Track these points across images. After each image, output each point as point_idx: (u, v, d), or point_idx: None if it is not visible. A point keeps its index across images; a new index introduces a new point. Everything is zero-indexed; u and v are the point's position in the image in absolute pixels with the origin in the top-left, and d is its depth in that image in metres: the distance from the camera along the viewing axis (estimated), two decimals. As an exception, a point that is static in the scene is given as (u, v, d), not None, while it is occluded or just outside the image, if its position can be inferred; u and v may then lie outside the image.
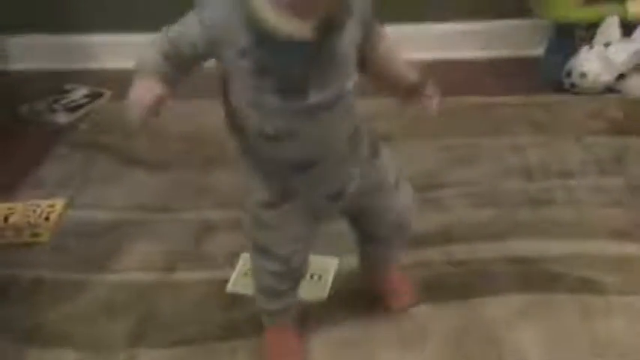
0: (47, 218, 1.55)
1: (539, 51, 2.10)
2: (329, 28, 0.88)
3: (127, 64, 2.24)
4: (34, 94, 2.11)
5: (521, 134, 1.77)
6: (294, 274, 1.10)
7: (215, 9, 0.89)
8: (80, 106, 2.06)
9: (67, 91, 2.13)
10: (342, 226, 1.17)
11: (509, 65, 2.14)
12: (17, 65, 2.30)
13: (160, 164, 1.75)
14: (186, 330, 1.25)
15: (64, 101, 2.08)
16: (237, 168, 1.68)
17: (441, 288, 1.29)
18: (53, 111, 2.04)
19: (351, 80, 0.94)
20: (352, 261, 1.27)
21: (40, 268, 1.42)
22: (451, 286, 1.28)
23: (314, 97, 0.90)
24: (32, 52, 2.30)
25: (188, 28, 0.91)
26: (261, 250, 1.07)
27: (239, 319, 1.26)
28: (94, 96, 2.11)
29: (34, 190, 1.67)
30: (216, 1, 0.89)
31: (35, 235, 1.51)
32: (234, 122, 0.99)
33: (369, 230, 1.14)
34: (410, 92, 1.04)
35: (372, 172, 1.06)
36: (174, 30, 0.93)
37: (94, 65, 2.29)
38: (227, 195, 1.59)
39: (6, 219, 1.56)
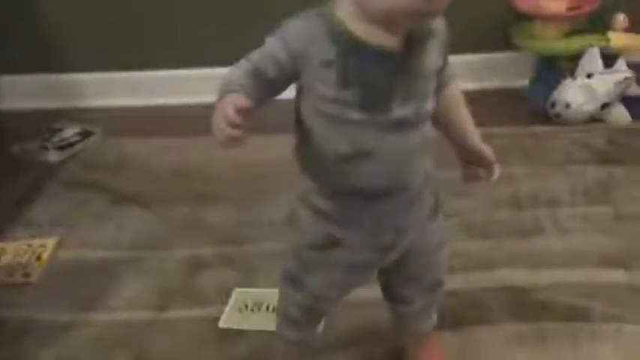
0: (38, 258, 1.55)
1: (524, 82, 2.13)
2: (415, 42, 0.89)
3: (116, 102, 2.31)
4: (25, 132, 2.12)
5: (509, 164, 1.78)
6: (320, 312, 1.09)
7: (296, 26, 0.89)
8: (71, 145, 2.07)
9: (58, 130, 2.14)
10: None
11: (495, 97, 2.17)
12: (8, 104, 2.31)
13: (150, 201, 1.75)
14: (180, 368, 1.24)
15: (55, 139, 2.09)
16: (227, 203, 1.71)
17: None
18: (44, 149, 2.05)
19: (430, 102, 0.94)
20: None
21: (30, 309, 1.41)
22: (444, 316, 1.28)
23: (397, 112, 0.90)
24: (23, 91, 2.32)
25: (271, 48, 0.89)
26: (292, 279, 1.05)
27: (234, 356, 1.25)
28: (84, 134, 2.12)
29: (25, 230, 1.67)
30: (296, 20, 0.89)
31: (26, 275, 1.51)
32: (305, 149, 0.96)
33: (402, 292, 1.09)
34: (473, 159, 1.04)
35: (427, 231, 1.03)
36: (257, 53, 0.90)
37: (84, 104, 2.30)
38: (217, 231, 1.60)
39: (-3, 259, 1.56)
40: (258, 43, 0.92)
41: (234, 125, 0.83)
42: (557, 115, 1.97)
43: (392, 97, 0.89)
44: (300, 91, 0.93)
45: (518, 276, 1.39)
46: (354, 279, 1.04)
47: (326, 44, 0.87)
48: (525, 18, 2.03)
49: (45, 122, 2.18)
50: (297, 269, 1.04)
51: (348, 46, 0.87)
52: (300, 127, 0.95)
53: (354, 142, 0.91)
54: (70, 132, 2.13)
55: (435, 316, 1.16)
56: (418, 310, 1.11)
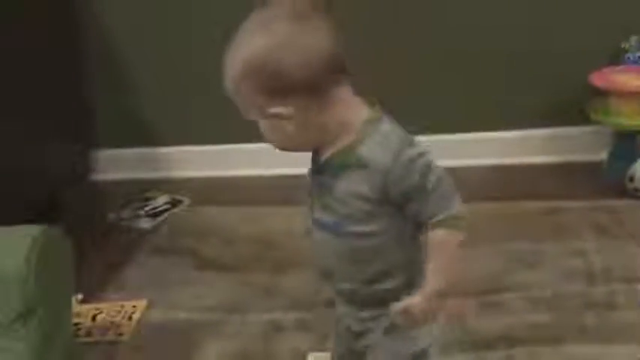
0: (130, 318, 1.66)
1: (600, 156, 2.13)
2: (328, 164, 0.97)
3: (202, 173, 2.44)
4: (120, 201, 2.28)
5: (583, 238, 1.80)
6: None
7: None
8: (161, 212, 2.21)
9: (150, 199, 2.29)
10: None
11: (571, 170, 2.18)
12: (106, 175, 2.49)
13: (231, 267, 1.85)
14: None
15: (146, 208, 2.24)
16: (304, 270, 1.78)
17: (502, 391, 1.31)
18: (137, 217, 2.19)
19: (363, 227, 0.96)
20: None
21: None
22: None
23: (316, 214, 1.01)
24: (119, 163, 2.49)
25: None
26: None
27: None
28: (173, 203, 2.26)
29: (118, 291, 1.79)
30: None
31: (119, 334, 1.62)
32: None
33: None
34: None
35: (379, 344, 1.04)
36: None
37: (173, 174, 2.45)
38: (295, 296, 1.67)
39: (94, 318, 1.67)
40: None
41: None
42: (636, 189, 1.97)
43: (314, 199, 1.01)
44: None
45: (588, 351, 1.39)
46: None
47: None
48: (602, 94, 2.05)
49: (138, 192, 2.34)
50: None
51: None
52: None
53: (308, 219, 1.03)
54: (161, 201, 2.28)
55: None
56: None
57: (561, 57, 2.15)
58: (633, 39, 2.10)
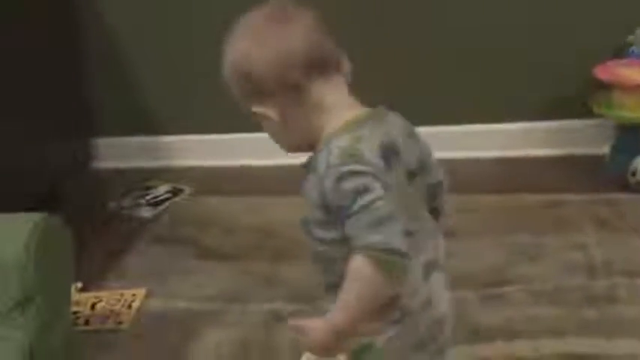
0: (129, 307, 1.66)
1: (603, 150, 2.13)
2: (307, 165, 0.96)
3: (204, 162, 2.44)
4: (120, 190, 2.28)
5: (585, 232, 1.79)
6: None
7: None
8: (162, 201, 2.21)
9: (151, 188, 2.29)
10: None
11: (573, 163, 2.18)
12: (106, 164, 2.49)
13: (232, 256, 1.84)
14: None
15: (147, 197, 2.23)
16: (304, 261, 1.77)
17: (502, 384, 1.31)
18: (138, 206, 2.19)
19: (322, 232, 0.94)
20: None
21: (122, 354, 1.51)
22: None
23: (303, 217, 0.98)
24: (119, 152, 2.49)
25: None
26: None
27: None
28: (174, 192, 2.25)
29: (118, 280, 1.79)
30: None
31: (119, 322, 1.62)
32: None
33: None
34: None
35: None
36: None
37: (175, 163, 2.45)
38: (296, 287, 1.66)
39: (93, 307, 1.67)
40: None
41: None
42: (638, 183, 1.96)
43: None
44: None
45: (590, 344, 1.38)
46: None
47: None
48: (605, 87, 2.05)
49: (139, 181, 2.33)
50: None
51: None
52: None
53: None
54: (162, 190, 2.27)
55: None
56: None
57: (565, 50, 2.14)
58: (638, 32, 2.08)
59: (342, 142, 0.90)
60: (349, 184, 0.87)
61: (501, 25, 2.17)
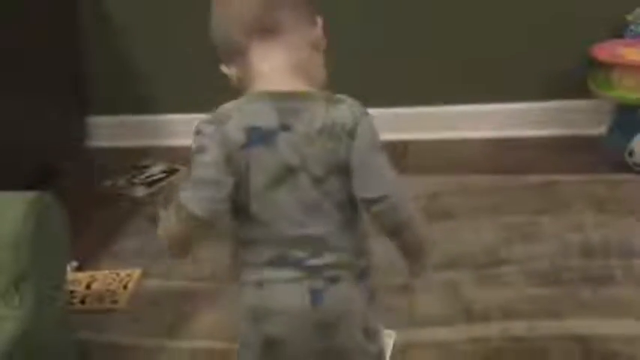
0: (125, 286, 1.66)
1: (600, 130, 2.12)
2: None
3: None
4: (115, 169, 2.26)
5: (582, 212, 1.79)
6: None
7: None
8: (157, 181, 2.20)
9: (146, 167, 2.27)
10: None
11: (571, 143, 2.17)
12: (100, 142, 2.47)
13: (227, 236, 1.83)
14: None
15: (142, 176, 2.22)
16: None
17: (498, 364, 1.31)
18: (132, 185, 2.18)
19: None
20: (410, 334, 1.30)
21: (117, 334, 1.51)
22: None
23: None
24: (113, 131, 2.47)
25: None
26: None
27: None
28: (170, 171, 2.24)
29: (112, 260, 1.79)
30: None
31: (114, 302, 1.61)
32: None
33: None
34: None
35: None
36: None
37: (170, 142, 2.44)
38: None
39: (88, 286, 1.67)
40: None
41: None
42: (635, 163, 1.96)
43: None
44: None
45: (586, 325, 1.39)
46: None
47: None
48: (603, 66, 2.03)
49: (133, 160, 2.32)
50: None
51: None
52: None
53: None
54: (157, 169, 2.26)
55: None
56: None
57: (563, 30, 2.13)
58: (638, 11, 2.07)
59: (219, 109, 0.97)
60: (194, 142, 0.96)
61: (497, 5, 2.15)
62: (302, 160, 0.92)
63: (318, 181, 0.92)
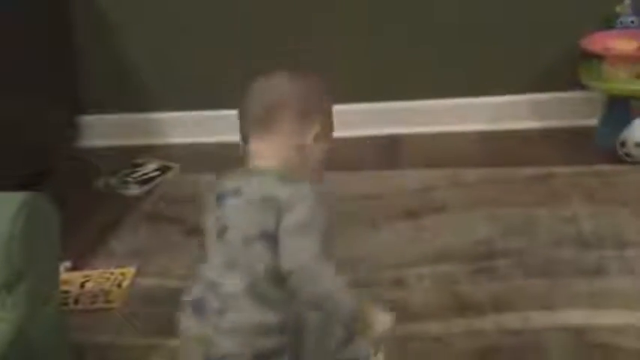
0: (119, 285, 1.66)
1: (592, 121, 2.13)
2: None
3: (193, 139, 2.42)
4: (108, 168, 2.26)
5: (575, 204, 1.80)
6: None
7: None
8: (151, 179, 2.19)
9: (139, 165, 2.27)
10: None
11: (562, 136, 2.18)
12: (93, 141, 2.47)
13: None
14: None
15: (136, 174, 2.22)
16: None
17: (492, 357, 1.31)
18: (126, 184, 2.18)
19: None
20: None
21: (112, 334, 1.51)
22: (503, 356, 1.30)
23: None
24: (107, 130, 2.47)
25: None
26: None
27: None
28: (163, 169, 2.24)
29: (106, 259, 1.78)
30: None
31: (108, 301, 1.61)
32: None
33: None
34: None
35: None
36: None
37: (163, 141, 2.43)
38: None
39: (82, 286, 1.67)
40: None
41: None
42: (627, 154, 1.96)
43: None
44: None
45: (580, 317, 1.39)
46: None
47: None
48: (594, 58, 2.04)
49: (127, 158, 2.31)
50: None
51: None
52: None
53: None
54: (150, 167, 2.26)
55: None
56: None
57: (553, 22, 2.13)
58: (627, 2, 2.07)
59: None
60: None
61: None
62: (256, 226, 1.07)
63: (245, 242, 1.07)
